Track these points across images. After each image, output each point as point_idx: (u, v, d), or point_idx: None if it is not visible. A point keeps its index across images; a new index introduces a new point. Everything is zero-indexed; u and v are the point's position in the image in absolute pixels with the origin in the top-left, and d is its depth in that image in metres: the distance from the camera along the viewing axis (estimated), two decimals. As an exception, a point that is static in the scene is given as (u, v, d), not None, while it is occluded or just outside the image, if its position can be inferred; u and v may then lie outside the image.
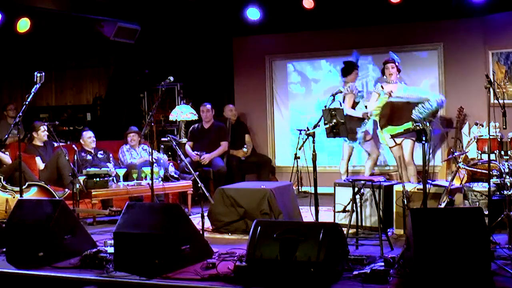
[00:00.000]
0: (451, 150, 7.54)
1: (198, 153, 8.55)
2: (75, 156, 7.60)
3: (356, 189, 5.61)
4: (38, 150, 8.04)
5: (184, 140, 9.01)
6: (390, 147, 7.56)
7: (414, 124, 5.37)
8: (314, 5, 8.41)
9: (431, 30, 8.91)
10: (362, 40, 9.14)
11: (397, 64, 7.63)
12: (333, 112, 5.57)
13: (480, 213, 4.31)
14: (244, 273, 4.43)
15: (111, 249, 5.12)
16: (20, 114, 6.11)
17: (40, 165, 7.92)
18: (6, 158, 7.59)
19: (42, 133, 8.05)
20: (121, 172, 7.62)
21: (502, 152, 6.01)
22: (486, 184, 5.91)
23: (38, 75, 5.93)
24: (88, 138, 8.23)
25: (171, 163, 8.15)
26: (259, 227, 4.53)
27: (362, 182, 5.73)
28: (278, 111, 9.84)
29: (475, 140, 6.73)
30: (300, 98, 9.77)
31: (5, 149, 7.78)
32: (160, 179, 7.59)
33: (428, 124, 5.35)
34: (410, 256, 4.31)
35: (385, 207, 6.06)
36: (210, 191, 7.88)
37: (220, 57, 10.08)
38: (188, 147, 8.76)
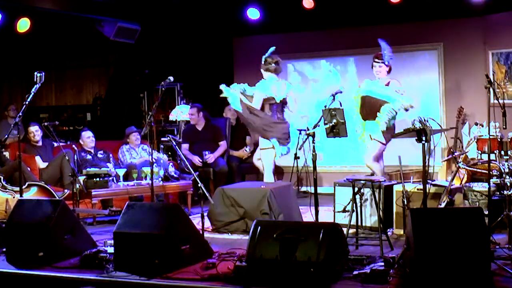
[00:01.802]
0: (451, 150, 7.54)
1: (205, 156, 8.49)
2: (75, 156, 7.60)
3: (356, 189, 5.61)
4: (38, 150, 8.04)
5: (184, 140, 8.99)
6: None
7: (413, 124, 5.36)
8: (314, 5, 8.42)
9: (431, 30, 8.91)
10: (362, 40, 9.14)
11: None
12: (333, 112, 5.57)
13: (480, 213, 4.31)
14: (244, 273, 4.43)
15: (111, 249, 5.12)
16: (20, 114, 6.11)
17: (40, 164, 7.91)
18: None
19: (31, 135, 8.08)
20: (121, 172, 7.61)
21: (502, 152, 6.01)
22: (486, 184, 5.91)
23: (38, 75, 5.93)
24: (87, 138, 8.22)
25: (171, 163, 8.15)
26: (259, 227, 4.53)
27: (362, 182, 5.73)
28: (278, 111, 9.83)
29: (475, 140, 6.73)
30: (300, 98, 9.75)
31: (5, 149, 7.78)
32: (160, 179, 7.59)
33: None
34: (410, 256, 4.31)
35: (385, 207, 6.06)
36: (210, 191, 7.88)
37: (220, 57, 10.08)
38: (187, 151, 8.63)
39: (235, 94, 7.42)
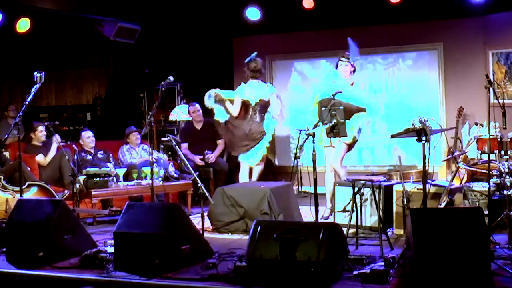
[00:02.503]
0: (451, 150, 7.55)
1: (206, 155, 8.51)
2: (75, 156, 7.59)
3: (356, 189, 5.61)
4: (39, 150, 8.03)
5: (184, 140, 8.99)
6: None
7: (413, 124, 5.36)
8: (314, 5, 8.42)
9: (431, 30, 8.92)
10: (362, 40, 9.12)
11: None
12: (333, 112, 5.58)
13: (480, 213, 4.32)
14: (244, 273, 4.43)
15: (111, 249, 5.12)
16: (20, 114, 6.11)
17: (41, 160, 7.86)
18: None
19: (39, 134, 8.03)
20: (121, 172, 7.61)
21: (502, 152, 6.01)
22: (486, 184, 5.91)
23: (38, 75, 5.93)
24: (87, 138, 8.21)
25: (171, 163, 8.15)
26: (259, 227, 4.53)
27: (362, 182, 5.74)
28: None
29: (475, 140, 6.73)
30: (300, 98, 9.77)
31: (5, 149, 7.78)
32: (160, 179, 7.59)
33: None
34: (410, 256, 4.31)
35: (385, 207, 6.06)
36: (210, 190, 7.89)
37: (220, 57, 10.07)
38: (187, 151, 8.67)
39: (219, 107, 7.83)
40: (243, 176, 7.81)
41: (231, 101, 7.80)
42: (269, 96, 7.75)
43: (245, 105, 7.74)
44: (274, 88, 7.93)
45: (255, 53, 7.78)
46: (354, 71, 7.14)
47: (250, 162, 7.70)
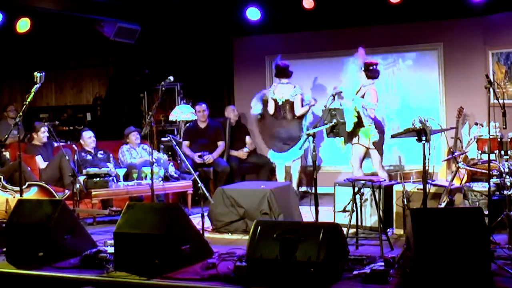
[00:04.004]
0: (451, 150, 7.54)
1: (203, 157, 8.53)
2: (75, 156, 7.59)
3: (356, 189, 5.61)
4: (38, 150, 8.04)
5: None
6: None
7: (413, 124, 5.36)
8: (314, 5, 8.41)
9: (431, 30, 8.91)
10: (362, 40, 9.12)
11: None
12: (333, 112, 5.58)
13: (480, 213, 4.32)
14: (244, 273, 4.43)
15: (111, 249, 5.13)
16: (20, 114, 6.11)
17: (41, 164, 7.89)
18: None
19: (41, 135, 8.04)
20: (121, 172, 7.61)
21: (502, 152, 6.01)
22: (486, 184, 5.91)
23: (38, 75, 5.93)
24: (88, 138, 8.22)
25: (171, 163, 8.15)
26: (259, 227, 4.53)
27: (362, 182, 5.74)
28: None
29: (475, 140, 6.73)
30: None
31: (5, 149, 7.78)
32: (160, 179, 7.59)
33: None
34: (410, 256, 4.31)
35: (385, 207, 6.06)
36: (210, 191, 7.89)
37: (220, 57, 10.07)
38: (187, 149, 8.72)
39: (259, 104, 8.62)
40: (280, 174, 8.40)
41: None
42: (293, 97, 8.24)
43: (276, 104, 8.32)
44: (299, 90, 8.37)
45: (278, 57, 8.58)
46: (370, 77, 7.40)
47: (282, 162, 8.35)
